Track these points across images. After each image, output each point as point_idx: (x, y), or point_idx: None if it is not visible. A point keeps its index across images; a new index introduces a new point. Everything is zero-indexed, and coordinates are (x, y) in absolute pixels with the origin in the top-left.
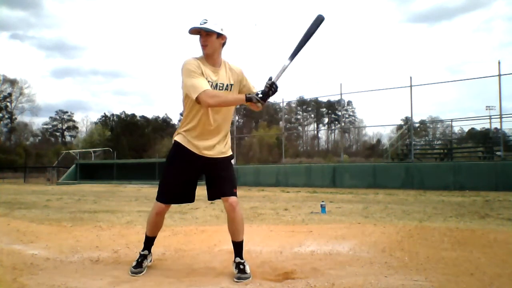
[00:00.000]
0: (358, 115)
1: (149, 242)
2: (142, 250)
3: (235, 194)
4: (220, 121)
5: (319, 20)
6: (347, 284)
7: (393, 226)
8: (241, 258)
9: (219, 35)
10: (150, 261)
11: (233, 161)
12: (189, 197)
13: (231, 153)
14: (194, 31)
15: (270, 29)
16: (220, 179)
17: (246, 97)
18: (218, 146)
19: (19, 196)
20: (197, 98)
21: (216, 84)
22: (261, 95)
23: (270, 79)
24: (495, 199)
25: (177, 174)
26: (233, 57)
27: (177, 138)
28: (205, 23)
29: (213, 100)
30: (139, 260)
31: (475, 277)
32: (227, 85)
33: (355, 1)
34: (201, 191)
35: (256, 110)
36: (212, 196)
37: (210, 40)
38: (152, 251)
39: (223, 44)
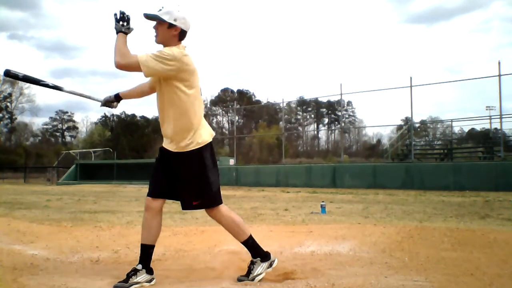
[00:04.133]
0: (358, 115)
1: (144, 253)
2: (137, 264)
3: (195, 207)
4: (160, 105)
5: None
6: (347, 284)
7: (393, 226)
8: (253, 256)
9: (171, 26)
10: (151, 281)
11: (232, 161)
12: (171, 194)
13: (191, 148)
14: (147, 17)
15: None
16: (180, 184)
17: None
18: (171, 137)
19: (19, 196)
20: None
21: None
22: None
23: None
24: (495, 199)
25: (154, 167)
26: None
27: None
28: (159, 10)
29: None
30: (129, 274)
31: (475, 277)
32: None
33: (353, 2)
34: None
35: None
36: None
37: (160, 29)
38: (151, 265)
39: (180, 36)
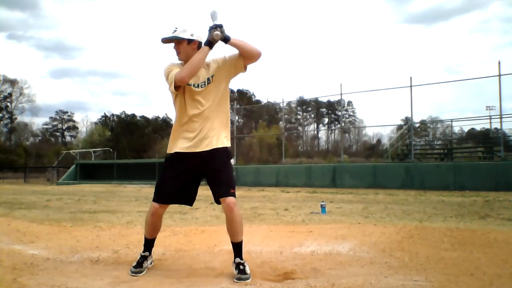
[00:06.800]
0: (358, 115)
1: (148, 244)
2: (143, 251)
3: (232, 195)
4: (206, 111)
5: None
6: (347, 284)
7: (393, 226)
8: (241, 259)
9: (190, 41)
10: (151, 263)
11: (233, 161)
12: (185, 200)
13: (226, 145)
14: (166, 41)
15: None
16: (216, 179)
17: (204, 43)
18: (208, 139)
19: (19, 196)
20: (176, 86)
21: (198, 84)
22: (209, 28)
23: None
24: (495, 199)
25: (169, 176)
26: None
27: (168, 148)
28: (175, 31)
29: (184, 72)
30: (140, 260)
31: (475, 277)
32: (208, 79)
33: (353, 2)
34: (201, 191)
35: (217, 39)
36: (215, 198)
37: (181, 47)
38: (152, 252)
39: (199, 48)
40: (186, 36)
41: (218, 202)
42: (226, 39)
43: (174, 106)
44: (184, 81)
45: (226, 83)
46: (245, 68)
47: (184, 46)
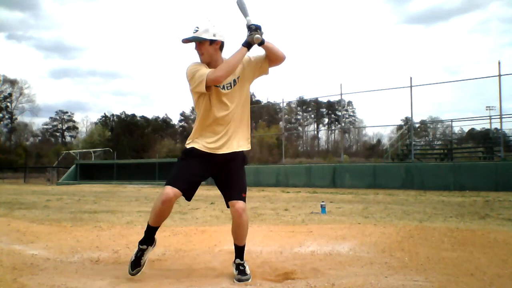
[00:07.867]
0: (358, 115)
1: (149, 233)
2: (141, 244)
3: (243, 199)
4: (231, 113)
5: None
6: (347, 284)
7: (393, 226)
8: (242, 259)
9: (212, 42)
10: (155, 245)
11: None
12: (188, 193)
13: (245, 149)
14: (187, 41)
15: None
16: (229, 182)
17: (243, 44)
18: (229, 142)
19: (19, 196)
20: (207, 87)
21: (225, 86)
22: (249, 30)
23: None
24: (495, 199)
25: (186, 165)
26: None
27: (190, 144)
28: (196, 31)
29: (220, 72)
30: (138, 255)
31: (475, 277)
32: (234, 80)
33: (352, 2)
34: (200, 191)
35: (257, 42)
36: (226, 201)
37: (204, 48)
38: (152, 247)
39: (221, 47)
40: (209, 36)
41: (228, 205)
42: (261, 42)
43: (196, 107)
44: (219, 81)
45: (249, 85)
46: (268, 71)
47: (207, 47)
